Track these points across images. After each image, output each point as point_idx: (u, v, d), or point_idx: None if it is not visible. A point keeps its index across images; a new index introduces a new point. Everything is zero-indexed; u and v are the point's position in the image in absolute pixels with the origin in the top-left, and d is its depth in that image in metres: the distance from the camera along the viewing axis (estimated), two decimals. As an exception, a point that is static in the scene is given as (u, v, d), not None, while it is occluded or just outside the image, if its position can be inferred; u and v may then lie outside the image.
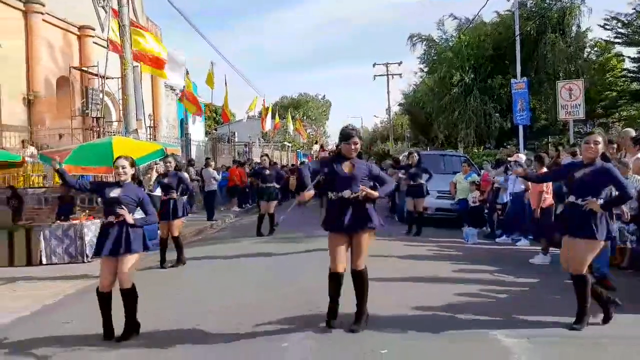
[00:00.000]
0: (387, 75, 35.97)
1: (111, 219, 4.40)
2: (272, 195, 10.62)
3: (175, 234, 7.68)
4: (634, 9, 19.73)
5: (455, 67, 21.32)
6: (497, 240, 9.48)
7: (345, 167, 4.38)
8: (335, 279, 4.38)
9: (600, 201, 4.20)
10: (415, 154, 10.52)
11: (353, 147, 4.38)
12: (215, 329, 4.54)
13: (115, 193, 4.45)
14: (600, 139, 4.29)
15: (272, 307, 5.14)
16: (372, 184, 4.53)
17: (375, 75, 36.25)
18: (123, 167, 4.51)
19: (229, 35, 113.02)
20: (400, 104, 37.30)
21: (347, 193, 4.31)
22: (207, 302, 5.52)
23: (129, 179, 4.57)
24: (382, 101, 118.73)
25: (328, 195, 4.44)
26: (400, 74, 36.28)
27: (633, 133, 8.48)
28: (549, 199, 7.66)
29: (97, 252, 4.47)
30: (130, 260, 4.39)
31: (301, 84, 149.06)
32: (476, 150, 20.52)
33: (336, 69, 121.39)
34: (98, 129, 13.34)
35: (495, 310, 4.93)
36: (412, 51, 24.46)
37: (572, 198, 4.36)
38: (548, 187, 7.62)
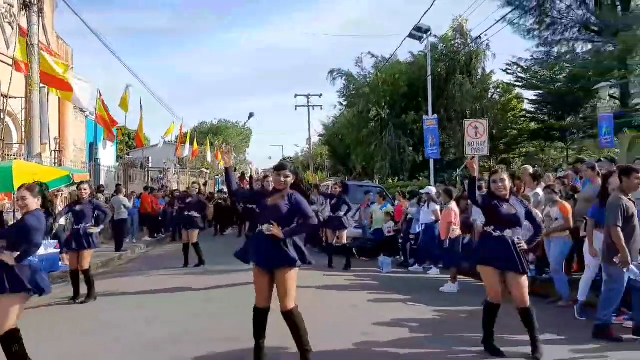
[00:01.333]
0: (308, 106, 36.67)
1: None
2: (194, 224, 10.29)
3: (86, 266, 7.12)
4: (532, 56, 21.88)
5: (372, 103, 22.25)
6: (410, 269, 9.83)
7: (271, 199, 4.29)
8: (256, 314, 4.23)
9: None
10: (338, 185, 10.62)
11: (283, 179, 4.26)
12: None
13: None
14: (505, 176, 4.65)
15: (189, 345, 4.92)
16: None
17: (296, 106, 36.79)
18: (23, 199, 4.13)
19: (149, 57, 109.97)
20: (320, 135, 38.09)
21: (265, 227, 4.17)
22: (116, 339, 5.15)
23: (31, 209, 4.14)
24: (303, 131, 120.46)
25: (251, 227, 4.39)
26: (321, 106, 37.10)
27: (531, 170, 9.30)
28: (457, 230, 8.10)
29: None
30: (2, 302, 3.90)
31: (221, 111, 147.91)
32: (391, 181, 21.34)
33: (258, 98, 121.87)
34: (-3, 151, 12.29)
35: (408, 339, 5.08)
36: (332, 85, 25.30)
37: (506, 232, 4.50)
38: (456, 218, 8.07)
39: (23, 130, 13.81)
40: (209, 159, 35.26)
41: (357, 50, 67.10)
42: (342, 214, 10.03)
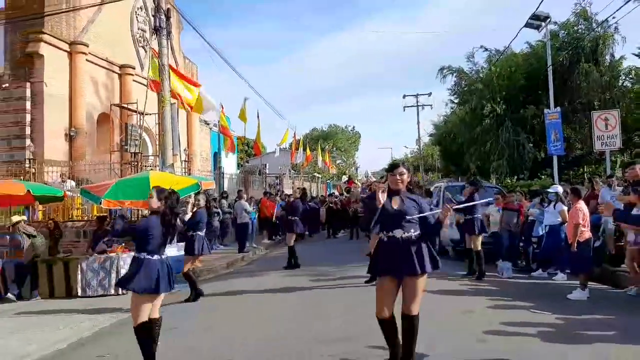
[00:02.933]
0: (417, 106, 36.13)
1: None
2: (290, 227, 10.72)
3: (184, 269, 7.72)
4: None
5: (486, 99, 21.24)
6: (533, 274, 9.21)
7: (394, 202, 4.06)
8: (383, 325, 4.04)
9: None
10: (469, 186, 9.41)
11: (399, 177, 4.07)
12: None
13: None
14: None
15: (304, 345, 5.10)
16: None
17: (405, 107, 36.45)
18: (151, 197, 4.58)
19: (259, 68, 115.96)
20: (430, 135, 37.25)
21: (398, 232, 3.96)
22: (238, 337, 5.53)
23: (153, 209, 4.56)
24: (412, 132, 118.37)
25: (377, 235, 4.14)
26: (430, 105, 36.43)
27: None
28: (586, 232, 7.45)
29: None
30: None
31: (331, 116, 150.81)
32: (509, 181, 20.18)
33: (366, 101, 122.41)
34: (136, 163, 13.80)
35: (533, 348, 4.79)
36: (443, 83, 24.58)
37: None
38: (585, 220, 7.42)
39: (157, 143, 15.36)
40: (319, 164, 36.24)
41: (467, 46, 64.41)
42: (477, 216, 8.98)
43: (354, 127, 64.46)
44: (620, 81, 21.44)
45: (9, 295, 8.51)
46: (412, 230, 3.98)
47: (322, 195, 28.63)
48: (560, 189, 9.43)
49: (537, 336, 5.19)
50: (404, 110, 36.75)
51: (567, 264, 8.33)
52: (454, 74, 23.95)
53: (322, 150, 36.91)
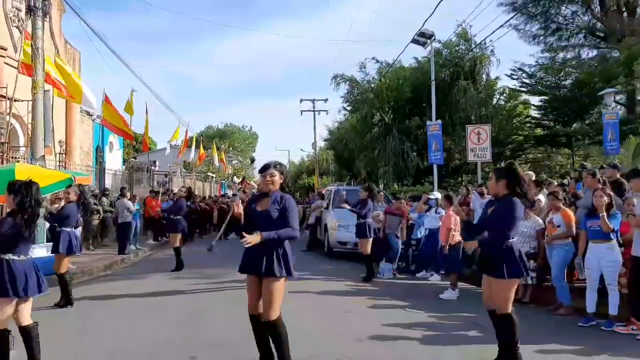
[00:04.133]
0: (314, 111, 36.78)
1: None
2: (174, 227, 10.37)
3: (61, 270, 7.03)
4: (537, 62, 21.81)
5: (376, 108, 22.22)
6: (418, 275, 9.72)
7: (261, 204, 4.06)
8: (252, 322, 4.07)
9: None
10: (363, 190, 9.75)
11: (269, 178, 4.02)
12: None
13: None
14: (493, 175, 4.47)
15: (182, 351, 4.92)
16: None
17: (302, 111, 36.92)
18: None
19: (154, 61, 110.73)
20: (325, 140, 38.12)
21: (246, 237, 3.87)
22: (112, 344, 5.16)
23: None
24: (308, 136, 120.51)
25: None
26: (326, 111, 37.27)
27: (533, 176, 9.26)
28: (456, 236, 8.05)
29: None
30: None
31: (228, 116, 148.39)
32: (396, 187, 21.27)
33: (264, 102, 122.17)
34: (2, 153, 12.39)
35: (405, 346, 5.05)
36: (336, 90, 25.29)
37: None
38: (456, 224, 8.02)
39: (29, 133, 13.93)
40: (215, 163, 35.38)
41: (360, 56, 67.10)
42: (369, 220, 9.29)
43: (251, 127, 64.01)
44: (495, 99, 23.66)
45: None
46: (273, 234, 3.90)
47: (215, 195, 27.98)
48: (439, 195, 10.13)
49: (410, 334, 5.50)
50: (301, 114, 37.28)
51: (441, 265, 8.96)
52: (347, 83, 24.75)
53: (217, 149, 36.09)
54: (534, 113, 24.46)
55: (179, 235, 10.30)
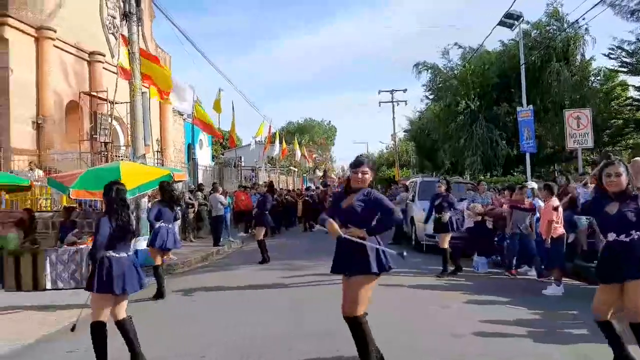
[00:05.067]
0: (393, 102, 36.32)
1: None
2: (259, 222, 10.78)
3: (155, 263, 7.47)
4: (638, 38, 19.92)
5: (460, 95, 21.48)
6: (520, 270, 9.25)
7: (346, 201, 3.94)
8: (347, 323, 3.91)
9: None
10: (443, 183, 9.33)
11: (360, 176, 3.88)
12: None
13: None
14: (622, 169, 3.77)
15: (279, 341, 5.03)
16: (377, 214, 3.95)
17: (380, 102, 36.60)
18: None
19: (235, 59, 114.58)
20: (406, 131, 37.51)
21: (342, 232, 3.84)
22: (211, 334, 5.40)
23: None
24: (388, 127, 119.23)
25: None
26: (405, 101, 36.70)
27: (642, 161, 8.45)
28: (559, 229, 7.56)
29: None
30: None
31: (307, 110, 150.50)
32: (483, 177, 20.49)
33: (342, 96, 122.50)
34: (106, 153, 13.41)
35: (508, 344, 4.82)
36: (418, 79, 24.74)
37: (612, 235, 3.76)
38: (558, 216, 7.53)
39: (129, 133, 14.97)
40: (297, 157, 36.07)
41: (442, 44, 64.99)
42: (448, 216, 8.86)
43: (329, 122, 64.58)
44: (590, 81, 21.97)
45: None
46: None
47: (298, 189, 28.53)
48: (535, 185, 9.56)
49: (512, 332, 5.23)
50: (380, 106, 36.95)
51: (542, 260, 8.45)
52: (429, 70, 24.11)
53: (298, 143, 36.76)
54: (634, 94, 22.46)
55: (264, 229, 10.66)
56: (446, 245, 8.82)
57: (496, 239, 9.95)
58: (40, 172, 13.30)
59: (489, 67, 21.64)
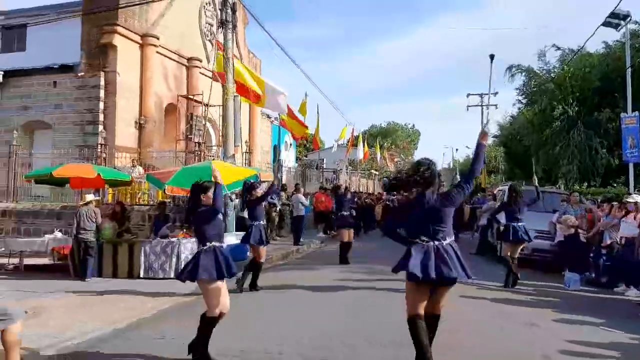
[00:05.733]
0: (481, 105, 34.93)
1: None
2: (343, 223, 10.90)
3: (258, 259, 7.87)
4: None
5: (557, 99, 20.23)
6: (616, 289, 8.56)
7: (419, 205, 3.97)
8: (413, 325, 3.94)
9: None
10: (514, 189, 8.95)
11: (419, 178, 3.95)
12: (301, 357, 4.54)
13: None
14: None
15: (352, 346, 5.02)
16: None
17: (468, 106, 35.34)
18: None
19: (322, 65, 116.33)
20: (495, 136, 35.95)
21: (424, 237, 3.92)
22: (288, 331, 5.53)
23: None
24: (475, 132, 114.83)
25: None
26: (495, 105, 35.09)
27: None
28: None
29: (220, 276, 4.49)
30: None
31: (392, 114, 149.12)
32: (578, 188, 19.14)
33: (428, 99, 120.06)
34: (199, 152, 14.19)
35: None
36: (511, 82, 23.63)
37: None
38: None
39: (220, 134, 15.74)
40: (378, 160, 35.88)
41: (537, 46, 61.52)
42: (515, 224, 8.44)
43: (413, 125, 63.55)
44: None
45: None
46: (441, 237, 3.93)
47: (379, 193, 28.36)
48: (639, 199, 8.80)
49: (607, 355, 4.85)
50: (467, 110, 35.68)
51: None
52: (523, 74, 22.93)
53: (380, 147, 36.56)
54: None
55: (346, 231, 10.75)
56: (506, 255, 8.53)
57: (591, 254, 9.26)
58: (141, 169, 14.35)
59: (590, 70, 20.19)
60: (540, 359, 4.71)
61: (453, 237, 4.08)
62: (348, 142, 28.92)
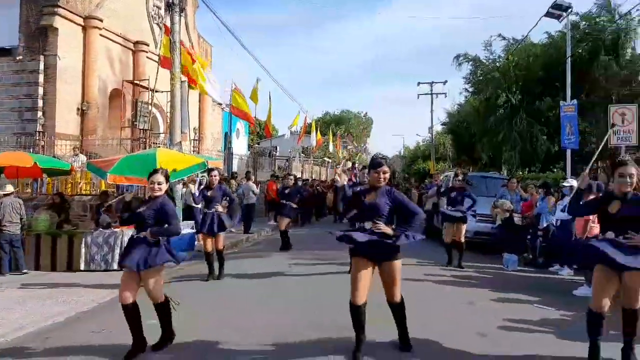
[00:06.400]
0: (431, 94, 35.67)
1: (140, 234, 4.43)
2: (285, 212, 10.93)
3: (220, 247, 7.79)
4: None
5: (502, 88, 20.89)
6: (551, 269, 9.03)
7: (370, 196, 4.25)
8: (354, 312, 4.18)
9: None
10: (460, 176, 9.58)
11: (382, 175, 4.22)
12: (238, 346, 4.54)
13: (141, 209, 4.47)
14: (634, 170, 3.94)
15: (299, 328, 5.09)
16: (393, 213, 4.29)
17: (419, 94, 36.01)
18: (159, 184, 4.46)
19: (275, 50, 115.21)
20: (443, 124, 36.84)
21: (368, 225, 4.16)
22: (235, 319, 5.52)
23: (162, 194, 4.50)
24: (425, 120, 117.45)
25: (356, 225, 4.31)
26: (444, 94, 35.98)
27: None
28: (595, 228, 7.28)
29: (122, 263, 4.46)
30: (152, 275, 4.36)
31: (344, 101, 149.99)
32: (521, 173, 19.91)
33: (379, 87, 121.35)
34: (145, 140, 13.80)
35: (533, 344, 4.71)
36: (458, 71, 24.18)
37: (611, 235, 3.95)
38: (595, 215, 7.26)
39: (168, 121, 15.35)
40: (330, 148, 36.05)
41: (485, 34, 63.18)
42: (464, 208, 9.08)
43: (366, 113, 64.11)
44: (640, 76, 20.92)
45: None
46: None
47: (331, 180, 28.54)
48: (574, 183, 9.25)
49: (539, 331, 5.12)
50: (418, 98, 36.37)
51: (575, 260, 8.18)
52: (470, 62, 23.52)
53: (333, 134, 36.72)
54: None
55: (283, 219, 10.92)
56: (446, 239, 9.11)
57: (529, 237, 9.71)
58: (83, 158, 13.82)
59: (533, 60, 20.93)
60: (477, 336, 4.91)
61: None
62: (301, 129, 28.87)
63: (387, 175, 4.25)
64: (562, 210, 8.71)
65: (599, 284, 3.98)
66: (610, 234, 3.94)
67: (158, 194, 4.46)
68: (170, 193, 4.73)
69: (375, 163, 4.28)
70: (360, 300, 4.14)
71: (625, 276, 3.83)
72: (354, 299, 4.14)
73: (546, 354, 4.41)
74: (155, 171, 4.57)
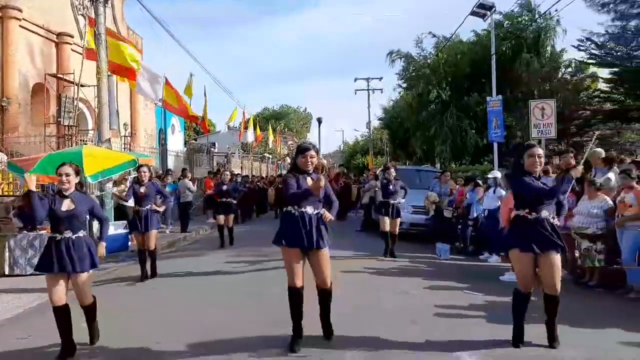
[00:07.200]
0: (368, 90, 36.36)
1: (68, 234, 4.23)
2: (229, 209, 10.99)
3: (152, 246, 7.52)
4: (606, 31, 20.32)
5: (432, 84, 21.64)
6: (481, 257, 9.47)
7: (309, 181, 4.32)
8: (294, 295, 4.28)
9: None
10: (392, 169, 10.03)
11: (309, 160, 4.33)
12: (175, 347, 4.44)
13: (66, 206, 4.24)
14: (541, 151, 4.35)
15: (237, 326, 5.06)
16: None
17: (356, 90, 36.60)
18: (67, 175, 4.25)
19: (210, 44, 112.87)
20: (380, 119, 37.67)
21: (310, 209, 4.27)
22: (172, 319, 5.40)
23: (73, 188, 4.33)
24: (363, 115, 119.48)
25: (286, 209, 4.38)
26: (381, 89, 36.76)
27: (603, 153, 8.67)
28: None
29: (45, 269, 4.20)
30: (83, 277, 4.23)
31: (283, 97, 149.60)
32: (453, 166, 20.76)
33: (319, 83, 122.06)
34: (71, 137, 13.12)
35: (463, 328, 4.94)
36: (391, 67, 24.78)
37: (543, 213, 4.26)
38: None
39: (96, 117, 14.66)
40: (270, 144, 35.88)
41: (417, 32, 65.04)
42: (399, 199, 9.54)
43: (305, 109, 64.35)
44: (560, 73, 22.35)
45: None
46: (320, 209, 4.32)
47: (271, 176, 28.42)
48: (498, 175, 9.76)
49: (468, 316, 5.38)
50: (355, 94, 36.95)
51: (501, 247, 8.64)
52: (402, 59, 24.17)
53: (273, 130, 36.56)
54: (603, 86, 22.93)
55: (220, 216, 10.97)
56: (383, 229, 9.38)
57: (459, 226, 10.15)
58: (4, 156, 12.94)
59: (461, 57, 21.81)
60: (409, 324, 5.09)
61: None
62: (241, 125, 28.50)
63: (315, 160, 4.37)
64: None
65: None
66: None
67: (66, 186, 4.27)
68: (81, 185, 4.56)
69: (302, 148, 4.40)
70: (297, 283, 4.26)
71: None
72: (292, 282, 4.28)
73: (476, 338, 4.65)
74: (64, 163, 4.36)
